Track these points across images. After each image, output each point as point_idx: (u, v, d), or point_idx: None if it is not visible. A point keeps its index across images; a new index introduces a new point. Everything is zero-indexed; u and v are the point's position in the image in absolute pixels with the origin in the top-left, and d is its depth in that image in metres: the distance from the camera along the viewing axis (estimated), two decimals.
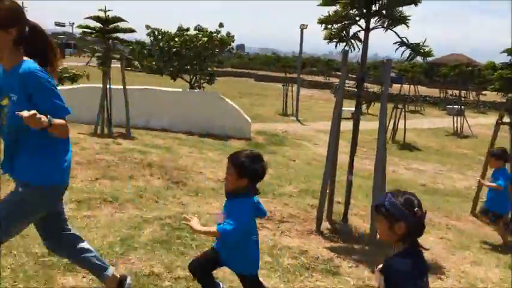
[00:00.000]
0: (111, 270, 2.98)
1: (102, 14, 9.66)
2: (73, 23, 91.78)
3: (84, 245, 2.95)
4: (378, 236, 2.29)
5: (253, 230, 2.74)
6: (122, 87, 10.15)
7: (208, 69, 13.99)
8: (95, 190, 5.33)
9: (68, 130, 2.51)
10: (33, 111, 2.21)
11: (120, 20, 9.87)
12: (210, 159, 7.90)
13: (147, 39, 15.21)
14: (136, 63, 14.68)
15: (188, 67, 13.59)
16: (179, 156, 7.61)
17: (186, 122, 11.98)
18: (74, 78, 19.55)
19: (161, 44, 13.38)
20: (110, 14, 9.71)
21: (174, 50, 13.04)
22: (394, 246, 2.08)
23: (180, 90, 13.02)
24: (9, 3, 2.42)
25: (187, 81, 14.28)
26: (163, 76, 14.36)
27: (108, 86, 9.84)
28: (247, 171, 2.58)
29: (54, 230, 2.88)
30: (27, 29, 2.47)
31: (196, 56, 13.30)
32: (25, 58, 2.45)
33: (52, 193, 2.66)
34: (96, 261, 2.94)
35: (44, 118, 2.27)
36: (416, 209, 1.99)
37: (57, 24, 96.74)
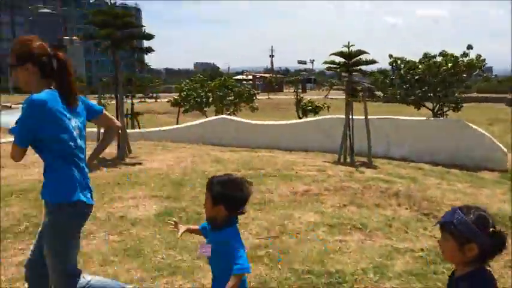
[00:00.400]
0: None
1: (345, 50, 10.18)
2: (313, 60, 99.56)
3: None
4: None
5: None
6: (361, 117, 10.39)
7: (456, 95, 13.07)
8: (344, 216, 5.51)
9: (13, 156, 2.61)
10: None
11: (362, 52, 10.20)
12: (460, 191, 7.26)
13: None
14: (379, 93, 14.87)
15: (431, 94, 12.97)
16: (426, 187, 7.24)
17: (429, 151, 11.38)
18: (315, 110, 21.17)
19: (402, 72, 13.19)
20: (353, 49, 10.15)
21: (417, 77, 12.67)
22: (458, 267, 1.84)
23: (422, 118, 12.50)
24: (19, 41, 2.65)
25: (429, 109, 13.64)
26: (409, 105, 14.05)
27: (350, 117, 10.19)
28: (221, 198, 2.27)
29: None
30: (52, 61, 2.59)
31: (440, 82, 12.62)
32: (47, 90, 2.57)
33: (75, 207, 2.63)
34: None
35: None
36: (491, 229, 1.71)
37: (300, 62, 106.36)
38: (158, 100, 62.45)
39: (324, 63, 10.66)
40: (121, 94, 9.74)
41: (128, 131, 11.76)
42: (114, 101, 16.86)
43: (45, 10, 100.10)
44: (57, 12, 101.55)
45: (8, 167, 8.20)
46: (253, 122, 14.10)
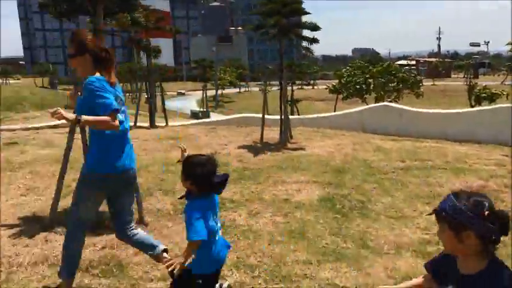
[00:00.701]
0: (159, 249, 3.33)
1: None
2: (488, 42, 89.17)
3: (136, 231, 3.36)
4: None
5: (213, 231, 2.67)
6: None
7: None
8: None
9: (109, 125, 2.93)
10: (56, 109, 2.77)
11: None
12: None
13: None
14: None
15: None
16: None
17: None
18: (492, 98, 18.96)
19: None
20: None
21: None
22: (464, 260, 1.66)
23: None
24: (77, 33, 3.15)
25: None
26: None
27: None
28: (188, 174, 2.66)
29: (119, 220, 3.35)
30: (102, 52, 3.10)
31: None
32: (97, 74, 3.06)
33: (97, 178, 3.09)
34: (145, 242, 3.34)
35: (69, 115, 2.81)
36: (486, 212, 1.55)
37: (472, 44, 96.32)
38: (315, 87, 63.19)
39: (508, 44, 9.43)
40: (284, 81, 10.03)
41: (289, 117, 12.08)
42: (274, 88, 17.53)
43: (215, 3, 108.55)
44: (225, 4, 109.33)
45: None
46: (418, 109, 13.27)
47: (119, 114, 3.03)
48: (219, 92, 49.02)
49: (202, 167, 2.65)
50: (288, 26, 9.32)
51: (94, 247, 4.13)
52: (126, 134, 3.18)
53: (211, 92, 45.21)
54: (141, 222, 4.80)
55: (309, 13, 9.53)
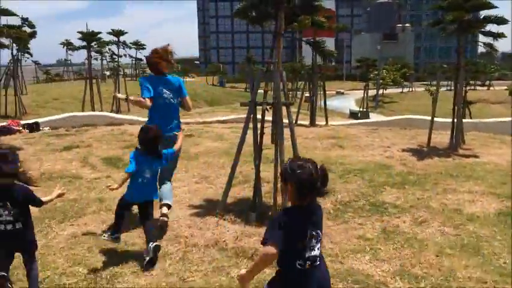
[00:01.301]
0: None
1: None
2: None
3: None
4: None
5: (141, 175, 3.97)
6: None
7: None
8: None
9: (141, 105, 4.67)
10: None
11: None
12: None
13: None
14: None
15: None
16: None
17: None
18: None
19: None
20: None
21: None
22: None
23: None
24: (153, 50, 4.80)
25: None
26: None
27: None
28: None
29: None
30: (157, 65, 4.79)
31: None
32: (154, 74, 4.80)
33: None
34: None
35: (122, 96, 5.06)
36: (298, 171, 2.14)
37: None
38: (491, 88, 56.66)
39: None
40: (461, 82, 9.16)
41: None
42: (442, 89, 16.16)
43: (382, 0, 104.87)
44: (392, 0, 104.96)
45: (346, 148, 9.02)
46: None
47: (163, 94, 4.64)
48: (380, 91, 47.41)
49: (143, 133, 3.96)
50: (469, 22, 8.44)
51: (259, 237, 4.35)
52: (165, 109, 4.64)
53: (371, 92, 43.98)
54: None
55: (496, 7, 8.45)
